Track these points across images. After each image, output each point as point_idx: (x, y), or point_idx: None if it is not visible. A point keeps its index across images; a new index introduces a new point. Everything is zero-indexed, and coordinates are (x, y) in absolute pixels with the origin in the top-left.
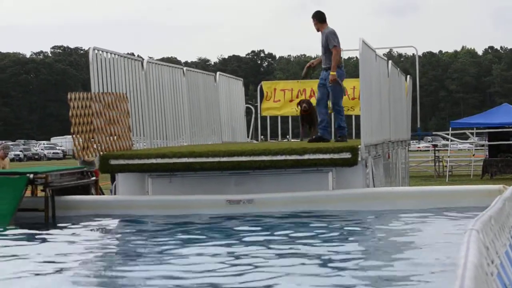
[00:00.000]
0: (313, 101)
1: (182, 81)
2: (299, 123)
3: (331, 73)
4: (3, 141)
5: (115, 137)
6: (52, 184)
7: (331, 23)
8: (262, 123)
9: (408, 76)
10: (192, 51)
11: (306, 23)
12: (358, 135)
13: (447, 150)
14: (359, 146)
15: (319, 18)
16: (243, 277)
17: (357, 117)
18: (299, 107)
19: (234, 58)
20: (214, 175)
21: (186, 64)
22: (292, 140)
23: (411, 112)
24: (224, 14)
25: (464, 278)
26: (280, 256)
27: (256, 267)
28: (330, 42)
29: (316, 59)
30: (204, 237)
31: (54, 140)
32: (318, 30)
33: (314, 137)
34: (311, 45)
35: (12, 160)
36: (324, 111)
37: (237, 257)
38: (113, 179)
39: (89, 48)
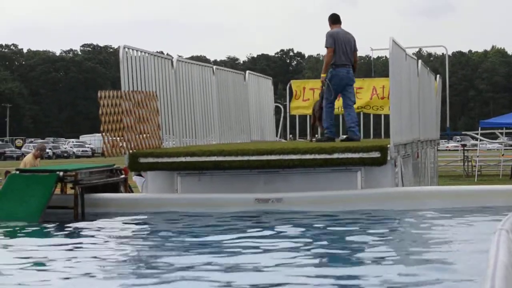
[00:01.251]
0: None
1: (212, 80)
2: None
3: (322, 74)
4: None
5: (145, 135)
6: (81, 182)
7: (361, 22)
8: (291, 122)
9: (438, 76)
10: (221, 50)
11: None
12: (387, 135)
13: (476, 149)
14: (388, 146)
15: (330, 20)
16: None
17: (387, 117)
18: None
19: (263, 57)
20: (243, 173)
21: (216, 62)
22: None
23: (440, 111)
24: (253, 13)
25: (495, 278)
26: (305, 256)
27: (281, 265)
28: (325, 43)
29: None
30: (232, 235)
31: (83, 138)
32: None
33: (320, 137)
34: None
35: (41, 158)
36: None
37: (263, 255)
38: (139, 175)
39: (119, 47)
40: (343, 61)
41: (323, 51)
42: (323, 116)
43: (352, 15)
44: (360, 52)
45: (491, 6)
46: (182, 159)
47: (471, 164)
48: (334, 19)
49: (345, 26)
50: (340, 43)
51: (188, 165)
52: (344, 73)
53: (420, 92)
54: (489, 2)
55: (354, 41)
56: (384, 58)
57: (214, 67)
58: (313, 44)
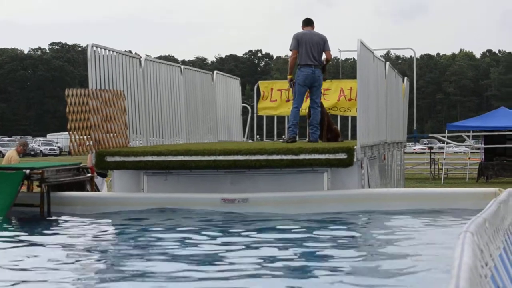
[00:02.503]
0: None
1: (180, 79)
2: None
3: (288, 76)
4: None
5: (112, 134)
6: (48, 180)
7: (333, 23)
8: (258, 122)
9: (406, 78)
10: (190, 50)
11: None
12: (354, 136)
13: (443, 152)
14: (355, 147)
15: (302, 23)
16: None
17: (354, 118)
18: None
19: (231, 58)
20: (210, 173)
21: (184, 62)
22: None
23: (407, 114)
24: (222, 14)
25: (459, 279)
26: (266, 258)
27: (242, 269)
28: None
29: None
30: (197, 235)
31: (50, 136)
32: None
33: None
34: None
35: (24, 153)
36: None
37: (222, 257)
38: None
39: (87, 45)
40: (307, 62)
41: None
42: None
43: (325, 16)
44: None
45: (461, 10)
46: (149, 158)
47: (437, 167)
48: (305, 22)
49: (318, 27)
50: (305, 44)
51: (155, 164)
52: (309, 72)
53: (387, 94)
54: (459, 5)
55: (324, 41)
56: (352, 60)
57: (182, 66)
58: (282, 45)
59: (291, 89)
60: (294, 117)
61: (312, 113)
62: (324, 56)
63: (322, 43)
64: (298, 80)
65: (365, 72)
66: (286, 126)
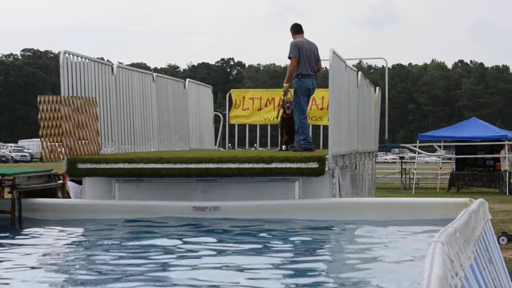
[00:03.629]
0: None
1: (152, 87)
2: (279, 129)
3: (284, 84)
4: None
5: (83, 141)
6: (19, 187)
7: (306, 33)
8: (230, 131)
9: (377, 88)
10: (162, 57)
11: (276, 32)
12: (326, 145)
13: (414, 162)
14: (327, 156)
15: (292, 30)
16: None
17: (325, 127)
18: (282, 108)
19: (204, 66)
20: (181, 181)
21: (156, 70)
22: (260, 148)
23: (379, 123)
24: (195, 22)
25: None
26: (239, 267)
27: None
28: (289, 53)
29: None
30: (167, 242)
31: (21, 142)
32: None
33: (296, 147)
34: (280, 55)
35: None
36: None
37: (194, 265)
38: (76, 182)
39: (59, 52)
40: (308, 71)
41: (264, 60)
42: (298, 128)
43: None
44: None
45: (432, 20)
46: (121, 165)
47: (409, 176)
48: (297, 29)
49: (287, 37)
50: (305, 53)
51: (126, 171)
52: (310, 84)
53: (359, 103)
54: (431, 16)
55: (317, 50)
56: (324, 69)
57: (154, 74)
58: (254, 53)
59: (283, 97)
60: (306, 128)
61: (304, 122)
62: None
63: (316, 53)
64: (299, 90)
65: (337, 82)
66: (258, 134)
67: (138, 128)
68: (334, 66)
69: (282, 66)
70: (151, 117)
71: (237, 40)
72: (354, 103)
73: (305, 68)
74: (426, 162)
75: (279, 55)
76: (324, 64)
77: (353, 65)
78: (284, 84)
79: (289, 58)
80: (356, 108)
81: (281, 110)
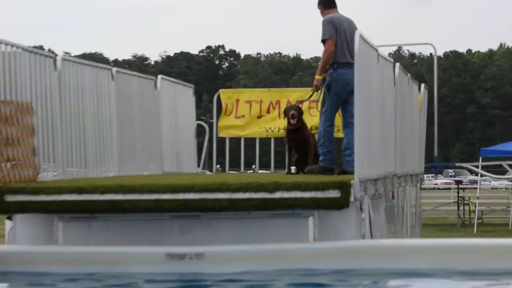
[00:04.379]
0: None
1: (110, 87)
2: (285, 147)
3: (315, 76)
4: None
5: (14, 163)
6: None
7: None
8: (220, 147)
9: (423, 85)
10: (125, 45)
11: (282, 10)
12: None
13: (476, 188)
14: (352, 182)
15: (321, 4)
16: None
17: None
18: (285, 116)
19: (183, 56)
20: (151, 218)
21: (116, 63)
22: (261, 171)
23: (425, 134)
24: None
25: None
26: None
27: None
28: (322, 34)
29: None
30: None
31: None
32: None
33: (312, 166)
34: (288, 40)
35: None
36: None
37: None
38: (10, 219)
39: None
40: (348, 59)
41: (265, 49)
42: (319, 137)
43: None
44: (316, 52)
45: None
46: (66, 197)
47: (469, 208)
48: (328, 2)
49: (307, 13)
50: (343, 34)
51: (75, 205)
52: (350, 76)
53: (397, 107)
54: None
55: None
56: None
57: (114, 69)
58: (252, 39)
59: (316, 95)
60: (329, 139)
61: (346, 134)
62: None
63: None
64: (335, 86)
65: (365, 77)
66: (257, 151)
67: (91, 145)
68: (362, 55)
69: (291, 56)
70: (109, 129)
71: (229, 23)
72: (390, 107)
73: (344, 54)
74: (492, 188)
75: (286, 41)
76: None
77: (389, 54)
78: (316, 77)
79: (323, 41)
80: (393, 113)
81: (286, 121)
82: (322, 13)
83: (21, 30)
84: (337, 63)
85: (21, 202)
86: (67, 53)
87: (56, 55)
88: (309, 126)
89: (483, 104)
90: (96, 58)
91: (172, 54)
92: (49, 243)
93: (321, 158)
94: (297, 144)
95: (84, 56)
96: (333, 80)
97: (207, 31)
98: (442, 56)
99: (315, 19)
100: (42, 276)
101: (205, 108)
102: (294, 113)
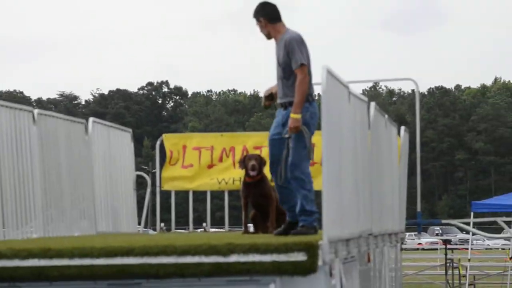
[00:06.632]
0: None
1: (32, 132)
2: (241, 201)
3: (292, 115)
4: None
5: None
6: None
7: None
8: (164, 201)
9: (403, 128)
10: (50, 82)
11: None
12: (318, 224)
13: (467, 249)
14: (320, 243)
15: (270, 15)
16: None
17: (318, 193)
18: (241, 167)
19: (119, 94)
20: (83, 287)
21: (40, 103)
22: (213, 229)
23: (406, 186)
24: (106, 20)
25: None
26: None
27: None
28: (295, 56)
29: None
30: None
31: None
32: (268, 37)
33: (283, 227)
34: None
35: None
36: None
37: None
38: None
39: None
40: (313, 91)
41: (217, 85)
42: (298, 191)
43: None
44: None
45: (489, 19)
46: None
47: (458, 272)
48: (276, 13)
49: (261, 45)
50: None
51: None
52: (318, 111)
53: (372, 155)
54: (487, 13)
55: None
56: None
57: (36, 111)
58: (201, 74)
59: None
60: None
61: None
62: None
63: None
64: (313, 123)
65: (334, 119)
66: (208, 206)
67: (9, 200)
68: (330, 93)
69: (248, 94)
70: (31, 182)
71: (174, 52)
72: (364, 153)
73: (311, 85)
74: (486, 249)
75: (242, 77)
76: (316, 89)
77: (364, 91)
78: (295, 116)
79: (302, 65)
80: (368, 161)
81: (242, 174)
82: (265, 28)
83: None
84: (310, 96)
85: None
86: None
87: None
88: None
89: (475, 150)
90: (15, 98)
91: (106, 92)
92: None
93: (315, 216)
94: (256, 199)
95: (0, 95)
96: (310, 118)
97: (147, 65)
98: (426, 93)
99: (268, 46)
100: None
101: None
102: (255, 164)
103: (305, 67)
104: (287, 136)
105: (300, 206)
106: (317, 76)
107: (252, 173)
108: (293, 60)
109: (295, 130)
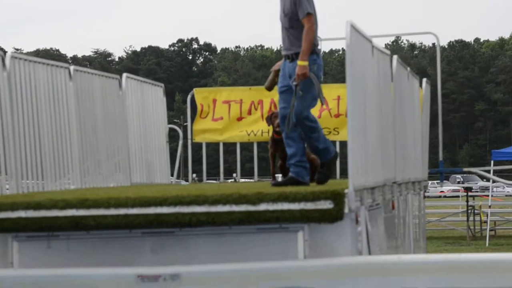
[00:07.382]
0: None
1: (68, 88)
2: (269, 153)
3: (299, 62)
4: None
5: None
6: None
7: None
8: (196, 153)
9: (425, 80)
10: (84, 40)
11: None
12: (344, 173)
13: (488, 196)
14: (346, 191)
15: None
16: None
17: (344, 144)
18: (268, 124)
19: (151, 51)
20: (119, 236)
21: (75, 60)
22: (243, 180)
23: (429, 136)
24: None
25: None
26: None
27: None
28: (301, 7)
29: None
30: None
31: None
32: None
33: (284, 178)
34: (271, 32)
35: None
36: (295, 135)
37: None
38: None
39: None
40: (318, 44)
41: (245, 41)
42: (306, 135)
43: None
44: None
45: None
46: (21, 213)
47: (479, 218)
48: None
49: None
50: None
51: (31, 223)
52: (319, 63)
53: (396, 106)
54: None
55: None
56: (340, 52)
57: (72, 67)
58: (229, 31)
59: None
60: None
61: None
62: None
63: None
64: (320, 75)
65: (358, 73)
66: (238, 157)
67: (48, 154)
68: (354, 47)
69: (274, 50)
70: (68, 136)
71: (203, 11)
72: (388, 105)
73: (317, 37)
74: (507, 196)
75: (268, 32)
76: (339, 44)
77: (386, 45)
78: (303, 63)
79: (306, 15)
80: (392, 113)
81: (271, 128)
82: None
83: None
84: (317, 48)
85: None
86: (17, 50)
87: (5, 52)
88: None
89: (494, 100)
90: (52, 55)
91: (139, 49)
92: (2, 267)
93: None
94: (284, 154)
95: (38, 53)
96: (319, 69)
97: (178, 22)
98: (446, 47)
99: None
100: None
101: (178, 110)
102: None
103: (312, 16)
104: (295, 83)
105: (314, 148)
106: (341, 31)
107: (277, 128)
108: (299, 9)
109: (303, 77)
